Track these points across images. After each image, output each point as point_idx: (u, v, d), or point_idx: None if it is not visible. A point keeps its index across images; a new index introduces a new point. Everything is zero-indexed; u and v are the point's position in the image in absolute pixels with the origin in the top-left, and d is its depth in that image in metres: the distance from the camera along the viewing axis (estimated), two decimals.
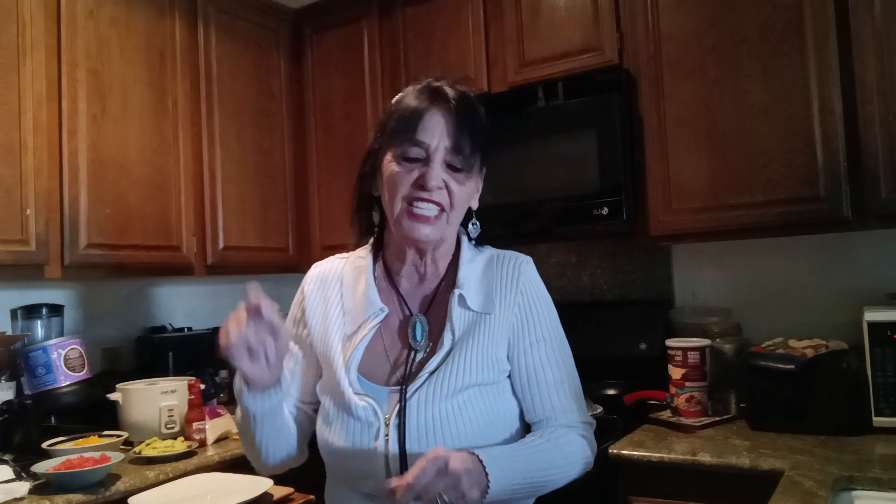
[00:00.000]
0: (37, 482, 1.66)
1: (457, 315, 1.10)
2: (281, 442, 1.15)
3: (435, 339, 1.10)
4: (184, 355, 2.49)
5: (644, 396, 2.10)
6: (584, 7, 2.20)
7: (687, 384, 1.94)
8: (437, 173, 1.06)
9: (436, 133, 1.06)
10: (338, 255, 1.27)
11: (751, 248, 2.22)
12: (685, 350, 1.96)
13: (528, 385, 1.12)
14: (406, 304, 1.15)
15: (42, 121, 2.00)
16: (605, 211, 2.06)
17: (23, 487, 1.61)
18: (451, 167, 1.08)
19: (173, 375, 2.37)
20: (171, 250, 2.38)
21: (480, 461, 0.95)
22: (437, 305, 1.14)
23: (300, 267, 2.88)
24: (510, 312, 1.11)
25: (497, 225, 2.21)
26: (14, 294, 2.22)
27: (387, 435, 1.03)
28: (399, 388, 1.06)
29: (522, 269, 1.15)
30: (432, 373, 1.06)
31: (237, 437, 2.14)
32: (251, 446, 1.13)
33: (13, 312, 2.19)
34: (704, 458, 1.63)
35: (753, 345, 1.96)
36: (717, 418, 1.93)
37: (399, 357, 1.11)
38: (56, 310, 2.23)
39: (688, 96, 2.02)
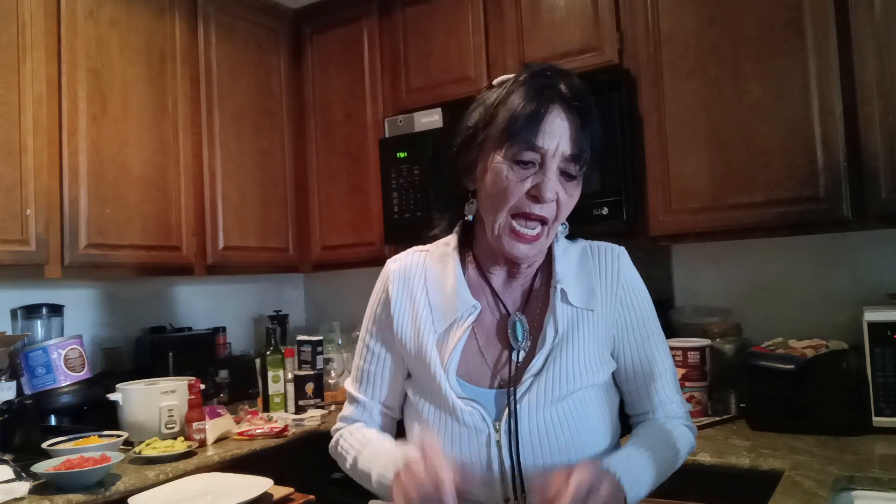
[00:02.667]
0: (37, 482, 1.66)
1: (560, 311, 1.04)
2: None
3: (534, 338, 1.04)
4: (184, 355, 2.49)
5: None
6: (583, 7, 2.20)
7: (687, 384, 1.94)
8: (553, 184, 0.98)
9: (555, 137, 0.97)
10: (415, 249, 1.17)
11: (751, 248, 2.22)
12: (685, 350, 1.96)
13: (635, 380, 1.08)
14: (501, 301, 1.08)
15: (42, 121, 2.00)
16: (605, 211, 2.06)
17: (23, 487, 1.61)
18: (564, 174, 0.99)
19: (173, 375, 2.37)
20: (171, 250, 2.38)
21: (616, 477, 0.91)
22: (533, 302, 1.08)
23: (300, 267, 2.89)
24: (613, 308, 1.06)
25: None
26: (14, 294, 2.22)
27: (498, 441, 0.98)
28: (505, 390, 1.01)
29: (621, 262, 1.09)
30: (537, 374, 1.00)
31: (237, 437, 2.14)
32: None
33: (13, 312, 2.19)
34: (704, 458, 1.63)
35: (753, 345, 1.96)
36: (717, 418, 1.93)
37: (497, 359, 1.05)
38: (56, 310, 2.23)
39: (688, 96, 2.02)
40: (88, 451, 1.76)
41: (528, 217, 0.99)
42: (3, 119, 1.91)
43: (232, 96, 2.62)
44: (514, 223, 0.99)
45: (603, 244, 1.12)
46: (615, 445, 1.07)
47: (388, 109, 2.65)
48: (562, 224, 1.07)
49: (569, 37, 2.23)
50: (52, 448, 1.79)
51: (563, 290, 1.05)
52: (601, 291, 1.06)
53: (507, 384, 1.01)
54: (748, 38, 1.93)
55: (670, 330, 2.23)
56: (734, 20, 1.95)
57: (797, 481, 1.39)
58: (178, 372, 2.40)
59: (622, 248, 1.12)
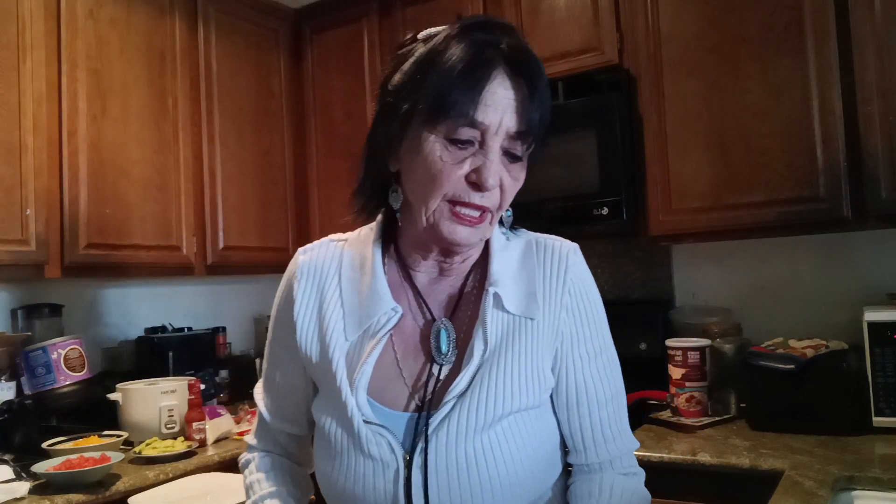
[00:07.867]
0: (37, 482, 1.66)
1: (491, 319, 0.85)
2: None
3: (461, 350, 0.86)
4: (184, 355, 2.49)
5: (644, 396, 2.10)
6: (583, 7, 2.20)
7: (687, 384, 1.94)
8: (496, 168, 0.80)
9: (499, 111, 0.79)
10: (331, 238, 0.97)
11: (751, 248, 2.22)
12: (685, 350, 1.96)
13: (572, 406, 0.89)
14: (426, 304, 0.90)
15: (42, 121, 2.00)
16: (605, 211, 2.06)
17: (23, 487, 1.61)
18: (508, 154, 0.82)
19: (173, 375, 2.37)
20: (171, 250, 2.38)
21: None
22: (463, 307, 0.90)
23: None
24: (557, 316, 0.88)
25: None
26: (14, 294, 2.22)
27: (408, 478, 0.80)
28: (420, 414, 0.83)
29: (570, 262, 0.91)
30: (461, 395, 0.82)
31: (237, 437, 2.14)
32: None
33: (13, 312, 2.19)
34: (704, 458, 1.63)
35: (753, 345, 1.96)
36: (717, 418, 1.93)
37: (418, 375, 0.87)
38: (56, 310, 2.23)
39: (688, 96, 2.02)
40: (88, 451, 1.76)
41: (466, 206, 0.81)
42: (3, 119, 1.91)
43: (232, 96, 2.62)
44: (453, 207, 0.82)
45: (551, 239, 0.94)
46: (554, 486, 0.90)
47: None
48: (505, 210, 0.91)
49: (569, 37, 2.23)
50: (52, 448, 1.80)
51: (496, 295, 0.87)
52: (544, 296, 0.88)
53: (424, 407, 0.83)
54: (748, 38, 1.93)
55: (670, 330, 2.23)
56: (734, 20, 1.95)
57: (797, 481, 1.39)
58: (178, 372, 2.40)
59: (574, 245, 0.94)
